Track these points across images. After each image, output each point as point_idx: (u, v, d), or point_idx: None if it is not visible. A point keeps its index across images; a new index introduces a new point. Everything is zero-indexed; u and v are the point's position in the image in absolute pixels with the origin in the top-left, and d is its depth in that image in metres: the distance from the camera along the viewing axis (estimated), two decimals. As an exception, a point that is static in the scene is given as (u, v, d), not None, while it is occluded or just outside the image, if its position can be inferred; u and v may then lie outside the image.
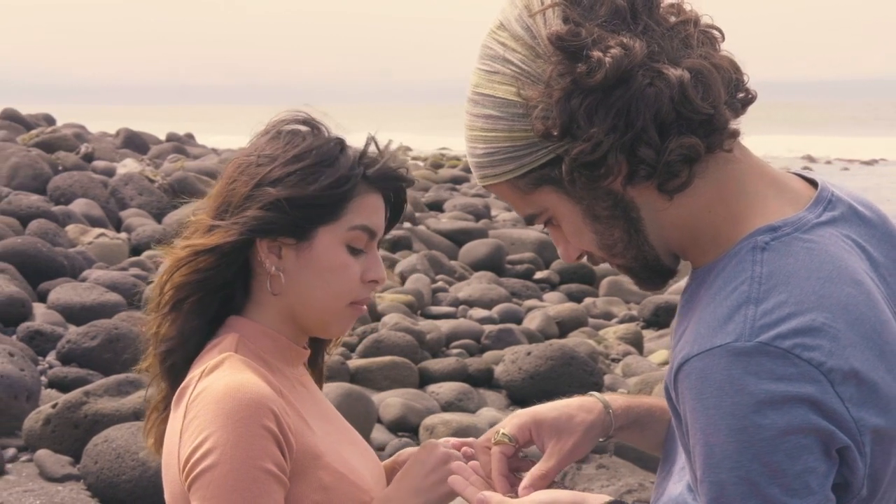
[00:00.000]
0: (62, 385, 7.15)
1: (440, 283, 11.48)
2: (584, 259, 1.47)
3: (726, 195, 1.37)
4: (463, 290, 11.17)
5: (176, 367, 1.73)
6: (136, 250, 11.24)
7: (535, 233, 13.48)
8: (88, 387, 6.35)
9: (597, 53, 1.30)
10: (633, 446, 1.66)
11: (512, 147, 1.37)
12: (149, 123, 30.96)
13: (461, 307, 10.64)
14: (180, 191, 12.73)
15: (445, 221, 14.60)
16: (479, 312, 10.31)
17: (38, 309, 8.56)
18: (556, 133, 1.33)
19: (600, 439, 1.67)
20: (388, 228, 1.83)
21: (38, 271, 9.25)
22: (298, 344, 1.80)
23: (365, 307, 1.78)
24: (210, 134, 40.17)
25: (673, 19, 1.37)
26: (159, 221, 12.46)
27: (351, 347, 8.67)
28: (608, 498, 1.48)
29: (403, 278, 11.44)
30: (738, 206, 1.37)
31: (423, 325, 9.40)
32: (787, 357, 1.23)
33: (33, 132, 16.58)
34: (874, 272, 1.38)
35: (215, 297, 1.73)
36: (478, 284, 11.33)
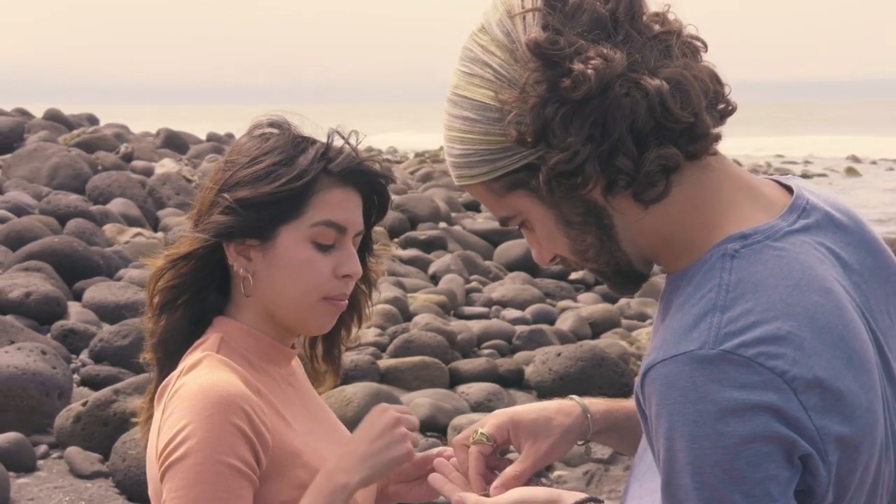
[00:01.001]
0: (94, 383, 7.23)
1: (474, 284, 11.48)
2: (558, 262, 1.47)
3: (700, 203, 1.37)
4: (497, 290, 11.16)
5: (161, 362, 1.82)
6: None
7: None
8: (118, 385, 6.43)
9: (579, 66, 1.30)
10: (614, 450, 1.66)
11: (487, 150, 1.38)
12: (191, 123, 31.22)
13: (494, 307, 10.63)
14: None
15: (481, 221, 14.60)
16: (512, 313, 10.30)
17: (74, 307, 8.65)
18: (530, 140, 1.33)
19: (578, 443, 1.68)
20: (374, 223, 1.85)
21: (74, 270, 9.35)
22: (285, 343, 1.84)
23: (344, 302, 1.79)
24: (251, 134, 40.32)
25: (657, 28, 1.36)
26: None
27: (381, 347, 8.70)
28: (584, 495, 1.49)
29: (437, 279, 11.47)
30: (711, 213, 1.37)
31: (455, 325, 9.40)
32: (750, 365, 1.24)
33: (74, 132, 16.76)
34: (848, 279, 1.38)
35: (198, 298, 1.79)
36: (511, 285, 11.32)
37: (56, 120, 18.46)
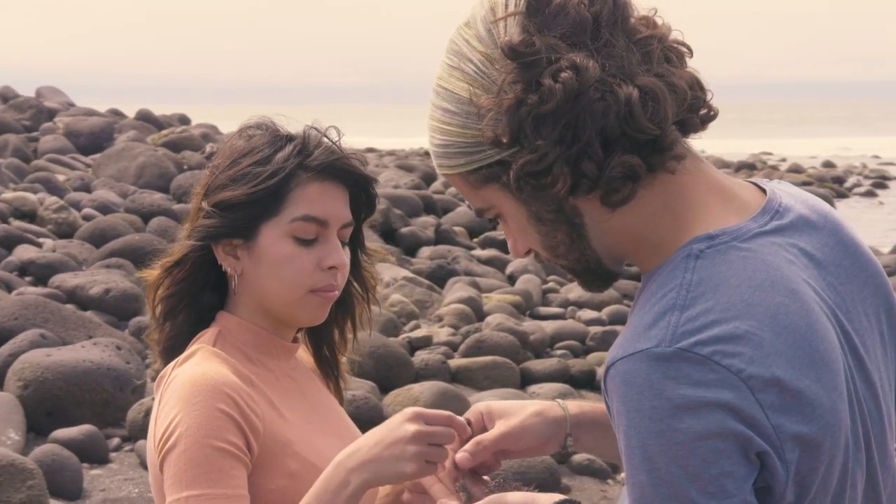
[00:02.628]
0: (168, 378, 7.37)
1: (551, 284, 11.47)
2: (532, 255, 1.48)
3: (671, 205, 1.37)
4: (574, 291, 11.12)
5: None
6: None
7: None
8: (188, 380, 6.54)
9: (548, 81, 1.30)
10: (601, 457, 1.67)
11: (464, 143, 1.40)
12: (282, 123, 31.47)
13: (570, 308, 10.61)
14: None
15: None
16: (587, 314, 10.27)
17: (152, 304, 8.82)
18: (505, 141, 1.35)
19: (560, 448, 1.70)
20: (364, 218, 1.88)
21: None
22: (284, 337, 1.87)
23: (334, 293, 1.81)
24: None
25: (644, 31, 1.36)
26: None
27: (454, 347, 8.73)
28: (559, 497, 1.49)
29: (514, 279, 11.47)
30: (681, 215, 1.37)
31: (527, 325, 9.41)
32: (705, 363, 1.24)
33: (163, 132, 17.10)
34: (822, 281, 1.38)
35: (197, 300, 1.84)
36: (589, 285, 11.25)
37: (146, 120, 18.84)
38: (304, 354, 1.98)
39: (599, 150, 1.30)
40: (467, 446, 1.64)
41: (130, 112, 20.27)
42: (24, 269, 9.37)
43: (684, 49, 1.39)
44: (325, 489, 1.63)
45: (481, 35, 1.38)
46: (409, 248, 12.85)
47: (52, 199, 11.36)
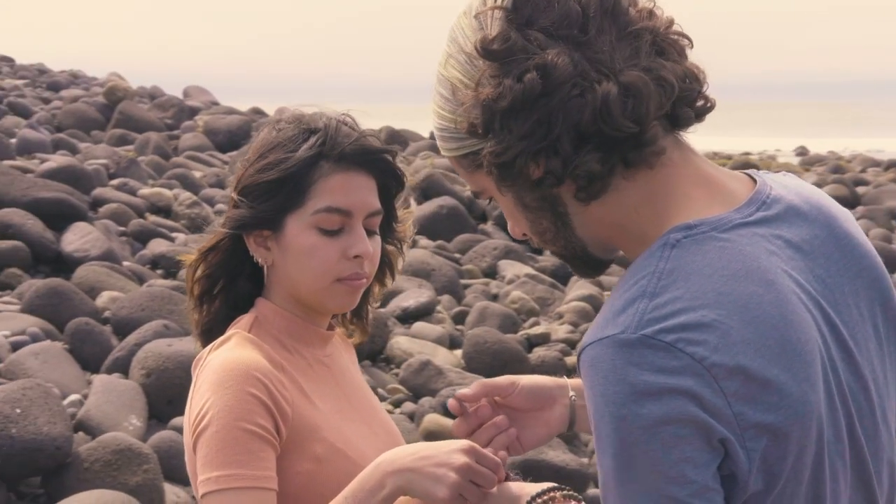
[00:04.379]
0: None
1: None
2: (528, 239, 1.50)
3: (653, 197, 1.37)
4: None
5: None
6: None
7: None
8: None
9: (508, 82, 1.32)
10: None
11: (455, 129, 1.43)
12: (420, 123, 31.84)
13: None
14: (427, 189, 13.10)
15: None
16: (712, 313, 10.08)
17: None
18: (480, 131, 1.37)
19: (568, 418, 1.75)
20: (393, 199, 1.91)
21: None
22: (318, 324, 1.91)
23: (361, 281, 1.84)
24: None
25: (638, 24, 1.35)
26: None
27: (571, 344, 8.70)
28: (547, 485, 1.52)
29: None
30: (663, 206, 1.37)
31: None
32: (669, 350, 1.25)
33: (294, 131, 17.43)
34: (808, 272, 1.37)
35: (233, 286, 1.90)
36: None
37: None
38: (337, 339, 2.02)
39: (568, 147, 1.31)
40: (471, 386, 1.71)
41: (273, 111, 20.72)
42: (155, 263, 9.70)
43: (684, 41, 1.39)
44: (361, 487, 1.67)
45: (474, 26, 1.40)
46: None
47: (186, 195, 11.71)
